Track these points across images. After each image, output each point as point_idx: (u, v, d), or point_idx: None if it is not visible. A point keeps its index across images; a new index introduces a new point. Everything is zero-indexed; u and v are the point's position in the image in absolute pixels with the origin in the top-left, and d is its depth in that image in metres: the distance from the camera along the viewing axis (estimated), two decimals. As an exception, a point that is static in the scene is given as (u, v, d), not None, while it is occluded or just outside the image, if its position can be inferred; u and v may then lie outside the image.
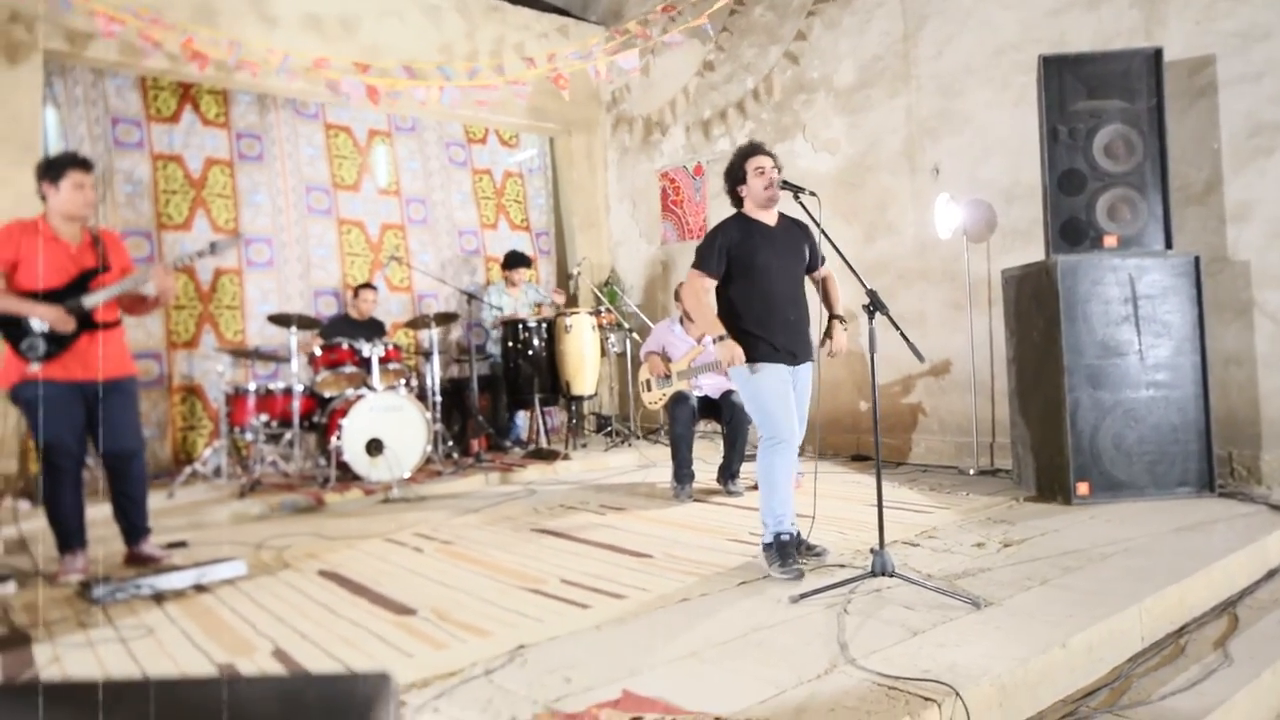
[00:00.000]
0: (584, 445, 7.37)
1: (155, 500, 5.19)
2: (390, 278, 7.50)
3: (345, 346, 5.84)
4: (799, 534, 3.56)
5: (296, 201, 7.05)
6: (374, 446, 5.51)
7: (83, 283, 3.60)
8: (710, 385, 5.25)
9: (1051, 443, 4.66)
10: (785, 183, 3.48)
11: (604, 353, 7.32)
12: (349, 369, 5.81)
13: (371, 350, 5.75)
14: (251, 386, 5.67)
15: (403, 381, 6.08)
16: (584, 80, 8.85)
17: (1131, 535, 3.73)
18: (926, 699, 2.05)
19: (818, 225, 3.37)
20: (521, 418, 7.54)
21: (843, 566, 3.35)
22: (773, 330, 3.46)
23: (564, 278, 8.64)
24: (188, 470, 5.72)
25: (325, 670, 2.44)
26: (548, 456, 6.53)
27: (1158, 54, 4.69)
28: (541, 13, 8.71)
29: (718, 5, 7.05)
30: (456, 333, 7.59)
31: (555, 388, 7.04)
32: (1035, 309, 4.81)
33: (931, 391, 6.41)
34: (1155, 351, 4.59)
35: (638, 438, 7.54)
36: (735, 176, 3.60)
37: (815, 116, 7.17)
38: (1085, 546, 3.56)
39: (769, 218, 3.60)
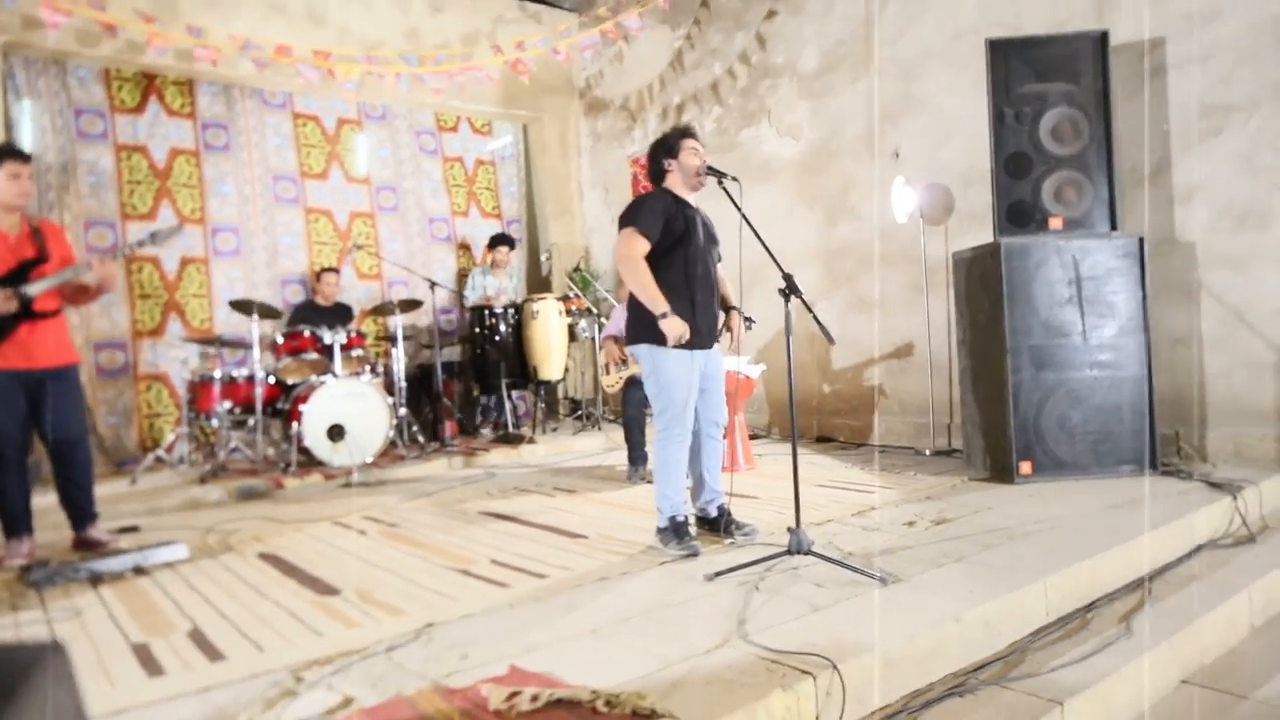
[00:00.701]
0: (554, 429, 7.44)
1: (117, 486, 5.32)
2: (359, 265, 7.54)
3: (307, 333, 5.89)
4: (729, 513, 3.61)
5: (264, 190, 7.10)
6: (335, 432, 5.57)
7: (22, 273, 3.64)
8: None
9: (997, 423, 4.71)
10: (710, 168, 3.51)
11: (574, 338, 7.37)
12: (311, 356, 5.87)
13: (333, 337, 5.80)
14: (217, 374, 5.73)
15: (367, 368, 6.13)
16: (557, 67, 8.87)
17: (1062, 513, 3.78)
18: (803, 671, 2.11)
19: (739, 210, 3.40)
20: (492, 402, 7.60)
21: (769, 545, 3.40)
22: (692, 312, 3.46)
23: (535, 264, 8.69)
24: (151, 457, 5.79)
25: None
26: (513, 440, 6.60)
27: (1103, 37, 4.71)
28: (513, 0, 8.72)
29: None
30: (426, 319, 7.63)
31: (523, 373, 7.10)
32: (982, 291, 4.85)
33: (892, 373, 6.46)
34: (1099, 332, 4.63)
35: (608, 421, 7.60)
36: (669, 150, 3.58)
37: (780, 102, 7.19)
38: (1012, 524, 3.61)
39: (692, 200, 3.63)
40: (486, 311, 7.02)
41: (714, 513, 3.63)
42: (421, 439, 6.51)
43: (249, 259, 6.99)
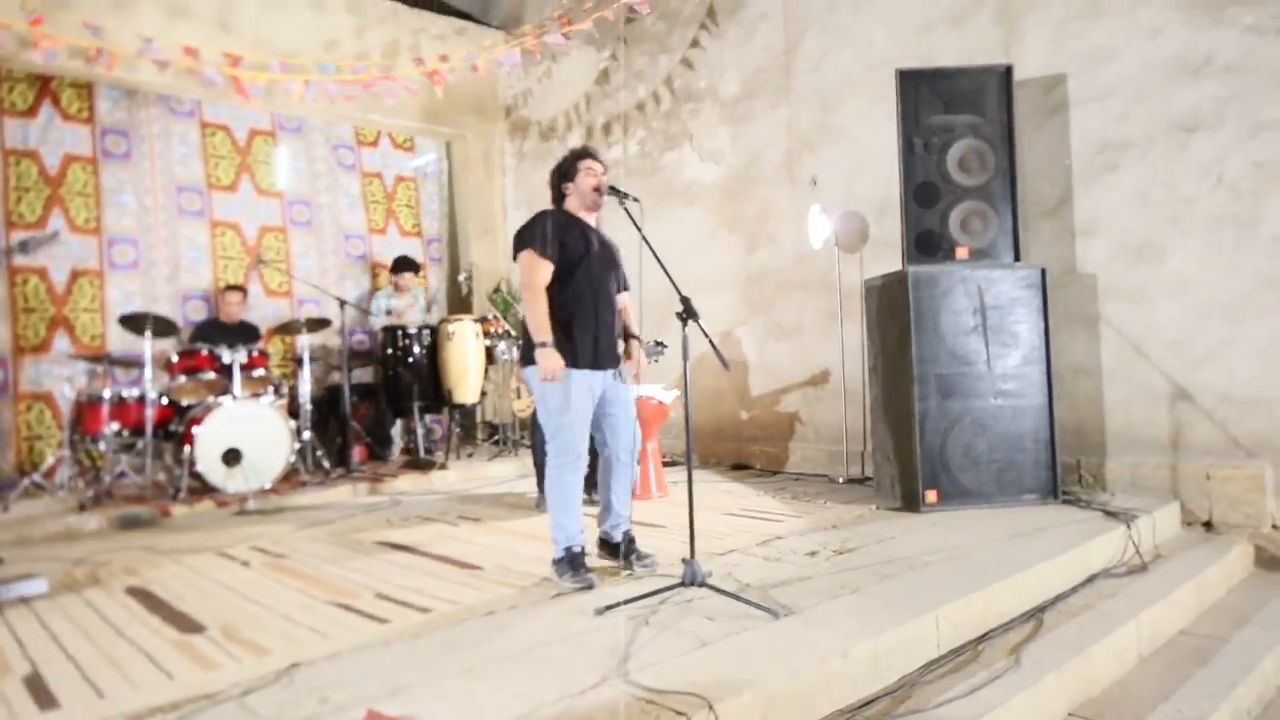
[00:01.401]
0: (469, 454, 7.27)
1: None
2: (267, 282, 7.29)
3: (205, 352, 5.64)
4: (633, 541, 3.52)
5: (166, 201, 6.82)
6: (231, 456, 5.32)
7: None
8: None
9: (904, 451, 4.72)
10: (613, 187, 3.44)
11: (492, 360, 7.22)
12: (208, 375, 5.62)
13: (233, 356, 5.56)
14: (105, 394, 5.43)
15: (271, 389, 5.90)
16: (483, 85, 8.78)
17: (963, 542, 3.78)
18: (678, 713, 2.02)
19: (639, 231, 3.34)
20: (404, 427, 7.40)
21: (668, 576, 3.31)
22: (588, 334, 3.38)
23: (456, 285, 8.52)
24: (26, 481, 5.44)
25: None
26: (423, 466, 6.42)
27: (1008, 71, 4.80)
28: (439, 15, 8.62)
29: (605, 11, 7.04)
30: (336, 340, 7.41)
31: (438, 396, 6.91)
32: (891, 319, 4.88)
33: (809, 400, 6.47)
34: (1003, 361, 4.69)
35: (525, 446, 7.45)
36: (565, 173, 3.53)
37: (702, 126, 7.21)
38: (912, 554, 3.60)
39: (591, 221, 3.56)
40: (399, 332, 6.82)
41: (617, 538, 3.54)
42: (327, 464, 6.27)
43: (148, 272, 6.70)
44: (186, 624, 2.94)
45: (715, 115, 7.10)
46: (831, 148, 6.28)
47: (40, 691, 2.36)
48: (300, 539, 4.38)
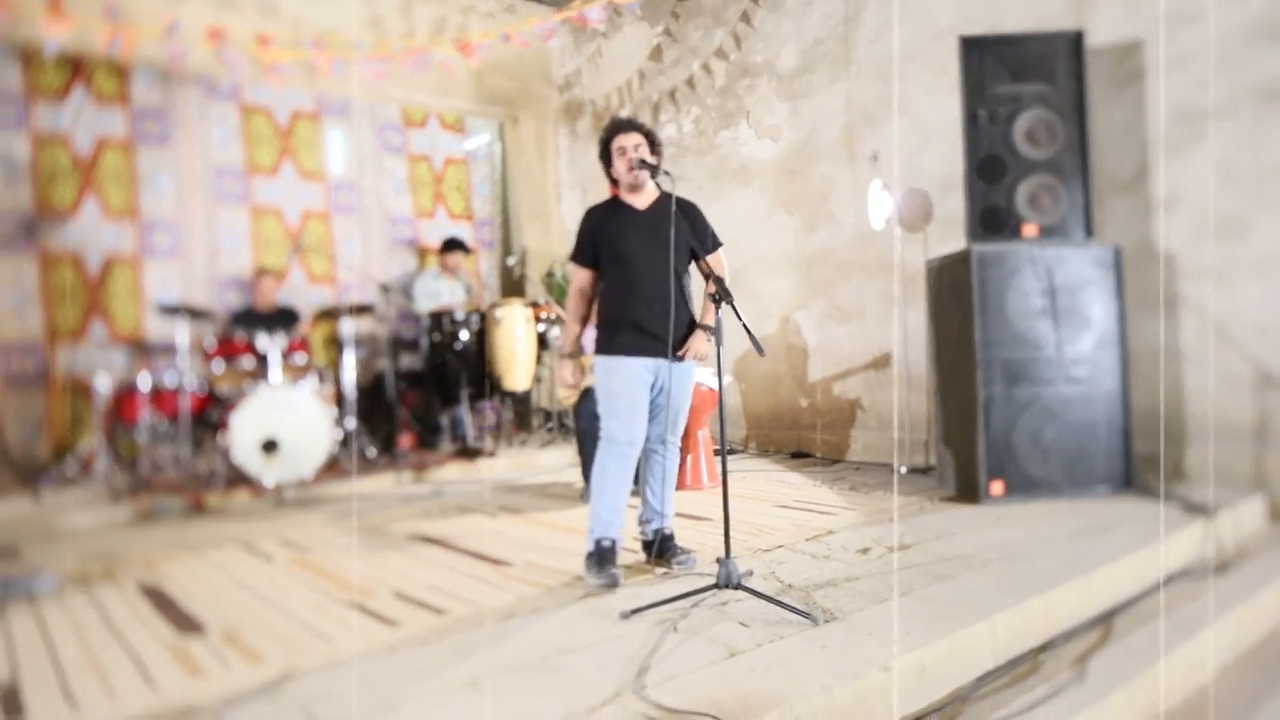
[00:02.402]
0: (522, 442, 7.20)
1: (18, 505, 4.99)
2: (310, 268, 7.28)
3: (242, 339, 5.62)
4: (670, 538, 3.39)
5: (204, 186, 6.77)
6: (269, 445, 5.25)
7: None
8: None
9: (967, 440, 4.48)
10: (642, 161, 3.26)
11: (545, 346, 7.13)
12: (245, 363, 5.57)
13: (270, 343, 5.49)
14: (143, 382, 5.44)
15: (315, 375, 5.86)
16: (534, 65, 8.68)
17: (1026, 538, 3.55)
18: (696, 735, 1.88)
19: (672, 206, 3.18)
20: (460, 413, 7.36)
21: (705, 575, 3.17)
22: (636, 322, 3.22)
23: (505, 269, 8.45)
24: (61, 471, 5.44)
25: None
26: (470, 454, 6.37)
27: (1078, 36, 4.49)
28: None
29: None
30: (382, 326, 7.40)
31: (486, 382, 6.85)
32: (953, 301, 4.63)
33: (870, 386, 6.23)
34: (1075, 345, 4.40)
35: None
36: (603, 156, 3.38)
37: (759, 102, 6.97)
38: (971, 551, 3.39)
39: (639, 200, 3.36)
40: (446, 318, 6.77)
41: (651, 535, 3.40)
42: (372, 453, 6.22)
43: (186, 259, 6.68)
44: (188, 625, 2.87)
45: (772, 90, 6.85)
46: (893, 122, 6.00)
47: (11, 701, 2.28)
48: (331, 531, 4.31)
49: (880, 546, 3.56)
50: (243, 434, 5.13)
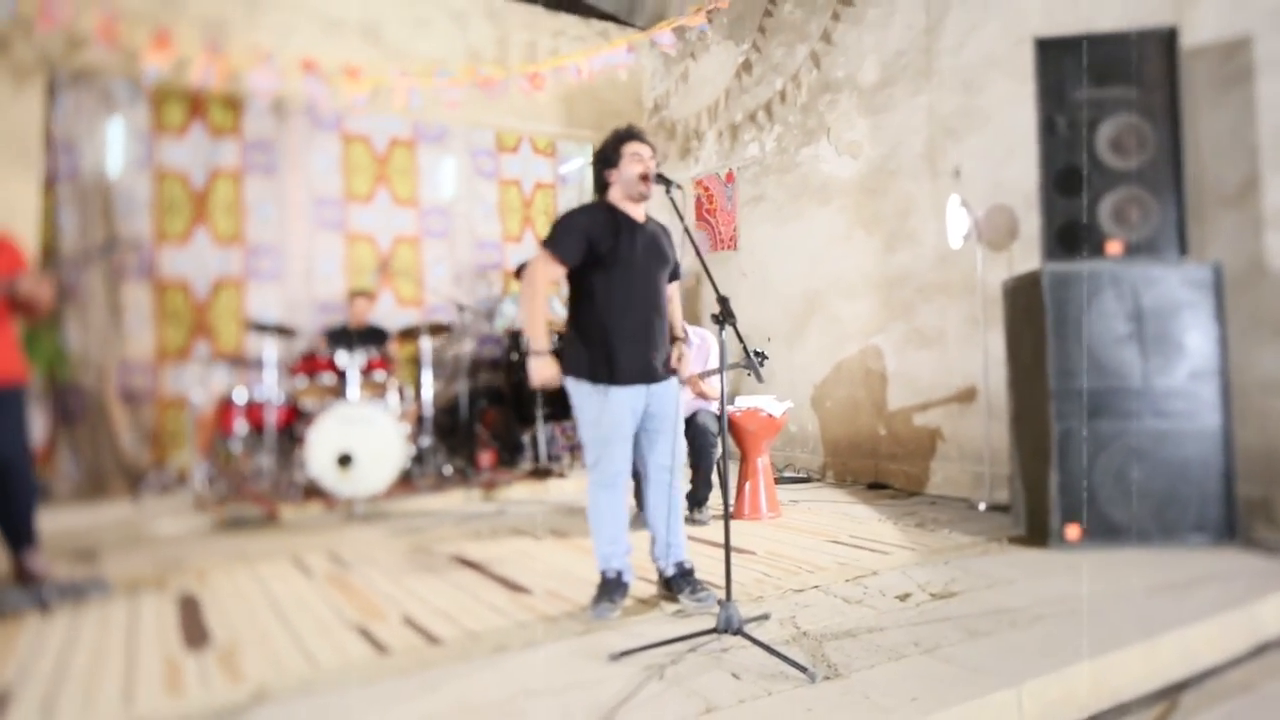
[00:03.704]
0: (595, 464, 7.10)
1: (119, 510, 5.25)
2: (399, 290, 7.44)
3: (324, 356, 5.75)
4: (688, 572, 3.18)
5: (305, 214, 7.05)
6: (344, 459, 5.37)
7: None
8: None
9: (1038, 478, 4.09)
10: (660, 175, 3.11)
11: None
12: (326, 379, 5.72)
13: (350, 360, 5.61)
14: (239, 397, 5.66)
15: (395, 392, 5.93)
16: (624, 88, 8.64)
17: (1094, 592, 3.17)
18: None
19: (682, 222, 3.00)
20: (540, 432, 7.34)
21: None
22: (630, 342, 3.06)
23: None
24: (160, 480, 5.74)
25: None
26: (542, 475, 6.31)
27: (1171, 34, 4.07)
28: (581, 18, 8.56)
29: (714, 6, 6.73)
30: (469, 346, 7.45)
31: (562, 402, 6.80)
32: (1025, 325, 4.26)
33: (951, 416, 5.83)
34: (1165, 376, 3.96)
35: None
36: (607, 159, 3.20)
37: (840, 118, 6.70)
38: (1024, 604, 3.04)
39: (637, 213, 3.21)
40: (523, 338, 6.78)
41: (667, 568, 3.20)
42: (448, 470, 6.26)
43: (284, 281, 6.96)
44: (199, 638, 2.89)
45: (853, 105, 6.57)
46: (976, 134, 5.63)
47: (-2, 713, 2.32)
48: (379, 548, 4.31)
49: (924, 593, 3.25)
50: (318, 447, 5.26)
